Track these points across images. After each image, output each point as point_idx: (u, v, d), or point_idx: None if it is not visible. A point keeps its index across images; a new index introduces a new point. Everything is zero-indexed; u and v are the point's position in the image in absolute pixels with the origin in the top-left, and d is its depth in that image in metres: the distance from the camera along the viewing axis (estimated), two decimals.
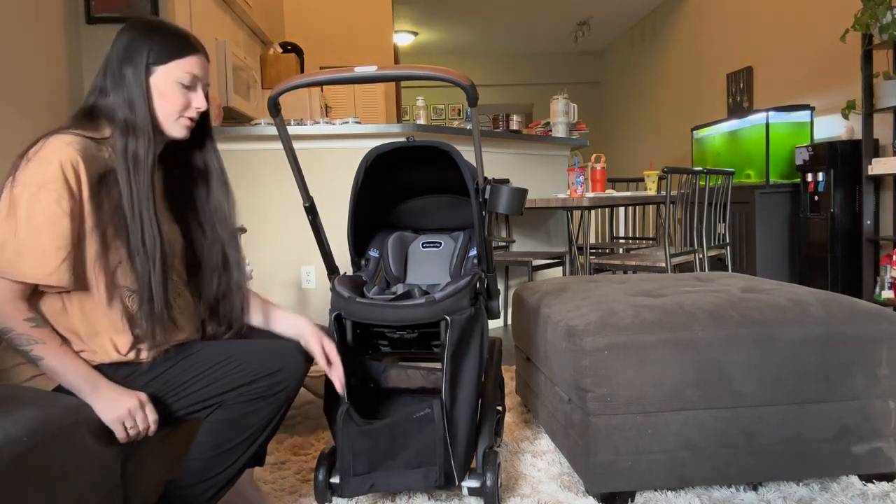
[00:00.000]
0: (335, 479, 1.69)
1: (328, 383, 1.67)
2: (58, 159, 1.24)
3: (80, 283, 1.28)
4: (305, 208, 1.77)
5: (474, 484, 1.69)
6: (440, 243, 2.01)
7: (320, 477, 1.69)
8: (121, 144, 1.31)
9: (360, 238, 1.94)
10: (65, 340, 1.29)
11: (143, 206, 1.31)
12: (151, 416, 1.30)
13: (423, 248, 2.02)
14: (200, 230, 1.50)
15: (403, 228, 2.04)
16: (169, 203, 1.48)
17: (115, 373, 1.33)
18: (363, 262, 1.95)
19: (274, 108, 1.58)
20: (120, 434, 1.26)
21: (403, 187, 1.98)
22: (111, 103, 1.34)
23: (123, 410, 1.26)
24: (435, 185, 1.96)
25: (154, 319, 1.32)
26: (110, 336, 1.32)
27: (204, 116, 1.47)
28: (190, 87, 1.39)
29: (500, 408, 2.13)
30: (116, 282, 1.32)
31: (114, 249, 1.31)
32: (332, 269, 1.82)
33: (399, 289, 1.87)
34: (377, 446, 1.62)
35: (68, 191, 1.24)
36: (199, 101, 1.40)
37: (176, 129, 1.40)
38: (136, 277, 1.31)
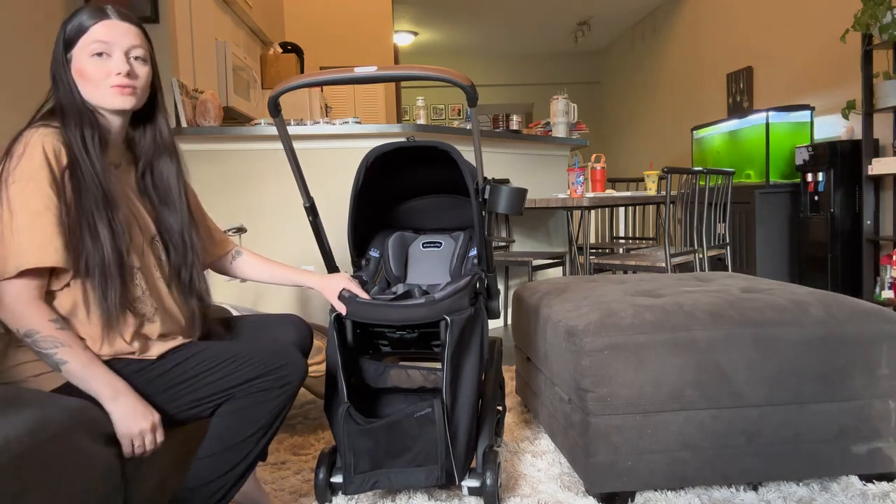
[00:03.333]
0: (336, 479, 1.70)
1: (328, 383, 1.69)
2: (40, 150, 1.27)
3: (75, 265, 1.30)
4: (306, 208, 1.76)
5: (474, 483, 1.69)
6: (440, 243, 2.01)
7: (321, 476, 1.70)
8: (64, 138, 1.33)
9: (361, 238, 1.94)
10: (85, 344, 1.29)
11: (92, 197, 1.31)
12: (159, 438, 1.32)
13: (424, 248, 2.02)
14: (159, 204, 1.51)
15: (404, 228, 2.04)
16: (140, 184, 1.50)
17: (126, 367, 1.34)
18: (363, 262, 1.95)
19: (274, 109, 1.58)
20: (126, 449, 1.29)
21: (404, 187, 1.97)
22: (57, 101, 1.38)
23: (136, 430, 1.29)
24: (435, 185, 1.95)
25: (110, 313, 1.32)
26: (91, 324, 1.33)
27: (154, 90, 1.47)
28: (106, 55, 1.36)
29: (500, 407, 2.14)
30: (81, 268, 1.32)
31: (76, 235, 1.32)
32: (332, 269, 1.82)
33: (399, 289, 1.87)
34: (378, 445, 1.63)
35: (53, 177, 1.27)
36: (118, 66, 1.36)
37: (110, 100, 1.38)
38: (93, 271, 1.31)
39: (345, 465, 1.65)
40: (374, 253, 1.97)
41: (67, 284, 1.31)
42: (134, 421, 1.28)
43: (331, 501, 1.74)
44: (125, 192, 1.43)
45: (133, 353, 1.35)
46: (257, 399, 1.40)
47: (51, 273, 1.29)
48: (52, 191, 1.26)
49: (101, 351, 1.33)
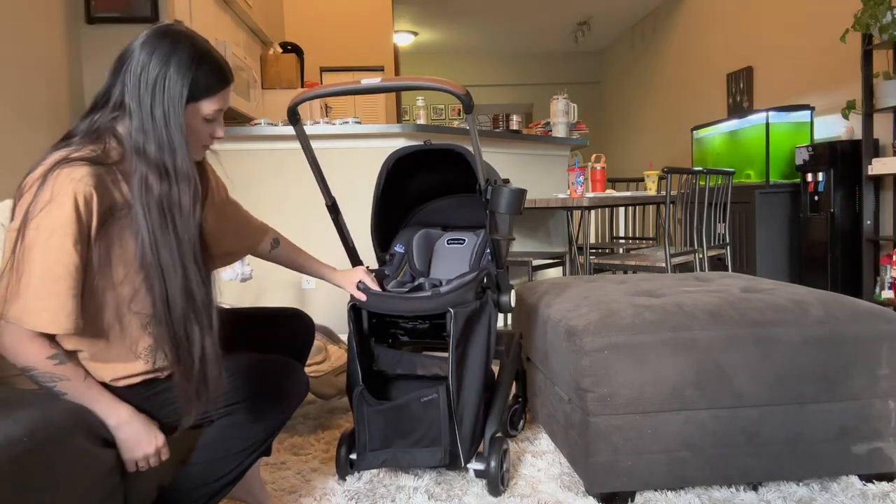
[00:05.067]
0: (354, 456, 1.82)
1: (350, 368, 1.80)
2: (71, 200, 1.15)
3: (87, 320, 1.23)
4: (328, 207, 1.90)
5: (480, 466, 1.78)
6: (464, 240, 2.11)
7: (342, 453, 1.84)
8: (162, 190, 1.22)
9: (385, 235, 2.06)
10: (87, 373, 1.25)
11: (188, 257, 1.25)
12: (164, 457, 1.32)
13: (448, 244, 2.12)
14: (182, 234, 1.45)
15: (431, 226, 2.14)
16: None
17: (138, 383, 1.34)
18: (388, 258, 2.05)
19: (293, 117, 1.70)
20: (130, 468, 1.28)
21: (425, 187, 2.08)
22: (135, 132, 1.23)
23: (140, 454, 1.29)
24: (457, 185, 2.05)
25: (199, 380, 1.27)
26: (122, 363, 1.30)
27: None
28: (214, 119, 1.33)
29: (520, 398, 2.26)
30: (124, 314, 1.27)
31: (127, 285, 1.25)
32: (356, 263, 1.94)
33: (423, 283, 1.96)
34: (388, 425, 1.74)
35: (80, 232, 1.17)
36: (220, 131, 1.35)
37: (196, 155, 1.36)
38: (166, 331, 1.24)
39: (359, 442, 1.78)
40: (398, 249, 2.06)
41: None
42: (138, 446, 1.28)
43: (350, 474, 1.89)
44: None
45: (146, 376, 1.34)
46: (257, 416, 1.41)
47: None
48: (77, 250, 1.17)
49: (110, 380, 1.30)
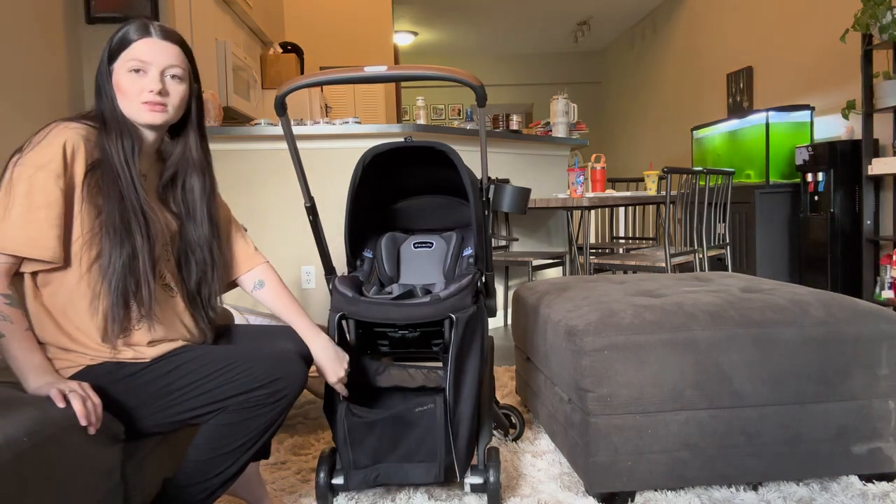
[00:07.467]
0: (337, 480, 1.69)
1: (328, 384, 1.67)
2: (60, 142, 1.29)
3: (67, 260, 1.32)
4: (307, 208, 1.76)
5: (477, 480, 1.69)
6: (432, 243, 1.99)
7: (321, 479, 1.68)
8: (97, 140, 1.37)
9: (356, 238, 1.92)
10: (30, 327, 1.30)
11: (130, 206, 1.36)
12: (94, 397, 1.22)
13: (415, 248, 2.00)
14: (184, 217, 1.52)
15: (395, 229, 2.02)
16: (161, 193, 1.51)
17: (119, 371, 1.33)
18: (358, 263, 1.93)
19: (280, 108, 1.59)
20: (58, 401, 1.18)
21: (398, 187, 1.96)
22: (99, 109, 1.43)
23: (54, 390, 1.20)
24: (429, 186, 1.94)
25: (143, 303, 1.35)
26: (92, 321, 1.33)
27: (197, 105, 1.51)
28: (142, 73, 1.40)
29: (510, 413, 2.19)
30: (100, 265, 1.33)
31: (98, 235, 1.33)
32: (329, 269, 1.81)
33: (395, 289, 1.87)
34: (380, 438, 1.63)
35: (64, 169, 1.29)
36: (150, 84, 1.40)
37: (140, 115, 1.41)
38: (120, 265, 1.33)
39: (344, 461, 1.64)
40: (367, 254, 1.95)
41: (60, 280, 1.32)
42: (49, 387, 1.21)
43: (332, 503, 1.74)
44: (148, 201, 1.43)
45: (128, 358, 1.35)
46: (249, 413, 1.38)
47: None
48: (59, 185, 1.28)
49: (99, 352, 1.33)
